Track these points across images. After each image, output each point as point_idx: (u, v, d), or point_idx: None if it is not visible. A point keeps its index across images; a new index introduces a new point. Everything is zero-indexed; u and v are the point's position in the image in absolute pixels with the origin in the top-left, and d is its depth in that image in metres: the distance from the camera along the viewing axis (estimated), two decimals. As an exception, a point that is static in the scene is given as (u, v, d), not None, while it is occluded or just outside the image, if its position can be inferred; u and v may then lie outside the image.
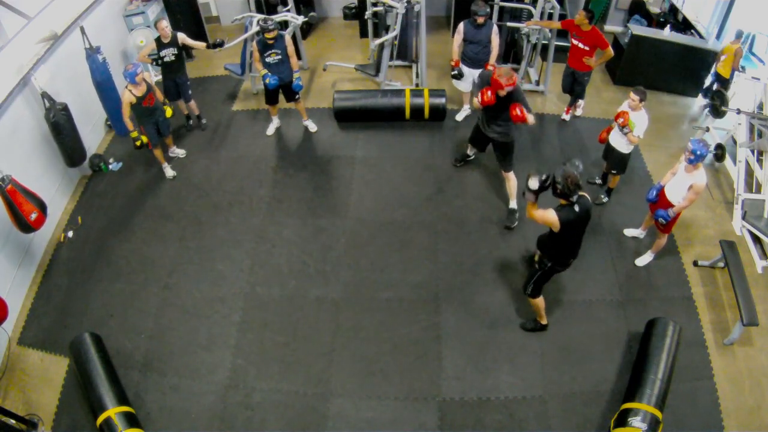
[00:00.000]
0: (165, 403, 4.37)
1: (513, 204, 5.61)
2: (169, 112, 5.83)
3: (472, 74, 6.32)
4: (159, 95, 5.75)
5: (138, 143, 5.62)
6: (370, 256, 5.37)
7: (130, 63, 5.52)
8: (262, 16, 6.49)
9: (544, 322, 4.76)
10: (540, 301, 4.61)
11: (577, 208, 4.01)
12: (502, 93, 4.83)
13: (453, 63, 6.31)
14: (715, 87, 6.76)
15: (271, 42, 5.77)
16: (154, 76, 7.16)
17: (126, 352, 4.66)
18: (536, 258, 4.73)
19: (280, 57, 5.89)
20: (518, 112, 4.84)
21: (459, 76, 6.36)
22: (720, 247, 4.99)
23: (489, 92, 4.86)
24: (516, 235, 5.48)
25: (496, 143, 5.42)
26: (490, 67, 6.16)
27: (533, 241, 5.40)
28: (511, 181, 5.53)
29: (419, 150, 6.52)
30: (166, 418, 4.28)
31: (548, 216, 4.02)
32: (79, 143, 5.74)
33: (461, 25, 6.11)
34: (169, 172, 6.23)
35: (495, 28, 6.06)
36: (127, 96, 5.39)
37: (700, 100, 7.32)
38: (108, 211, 5.91)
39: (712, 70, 7.01)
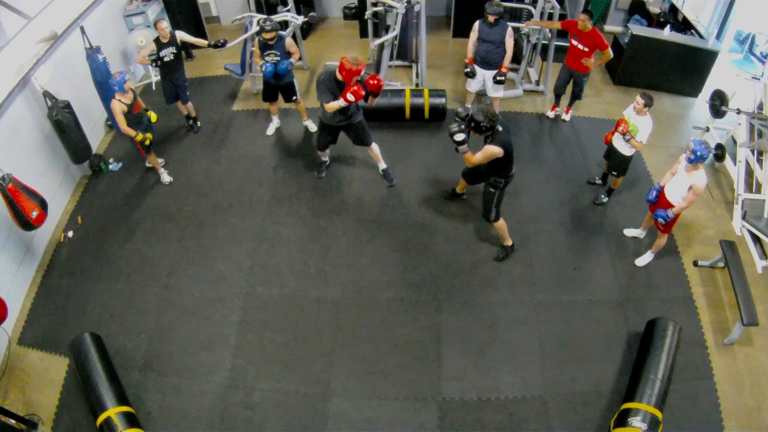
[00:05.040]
0: (165, 403, 4.37)
1: (383, 165, 5.99)
2: (154, 117, 5.76)
3: (483, 75, 6.31)
4: (141, 102, 5.67)
5: (147, 142, 5.56)
6: (370, 256, 5.37)
7: (116, 71, 5.44)
8: (263, 17, 6.50)
9: (509, 243, 5.27)
10: (503, 223, 5.12)
11: (500, 128, 4.47)
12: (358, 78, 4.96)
13: (467, 60, 6.31)
14: None
15: (270, 43, 5.77)
16: (154, 77, 7.16)
17: (126, 352, 4.66)
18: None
19: (278, 58, 5.89)
20: (373, 81, 5.01)
21: (471, 74, 6.34)
22: (720, 247, 4.99)
23: (356, 87, 4.90)
24: (516, 235, 5.47)
25: (351, 126, 5.53)
26: (503, 69, 6.17)
27: (533, 241, 5.44)
28: (375, 149, 5.82)
29: (419, 150, 6.52)
30: (166, 418, 4.28)
31: (489, 151, 4.49)
32: (83, 139, 5.76)
33: (476, 23, 6.11)
34: (166, 177, 6.15)
35: (510, 30, 6.02)
36: (118, 106, 5.29)
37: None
38: (108, 211, 5.91)
39: None
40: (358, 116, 5.50)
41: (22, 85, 5.19)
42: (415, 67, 7.50)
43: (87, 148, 5.88)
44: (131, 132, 5.46)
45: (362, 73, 4.97)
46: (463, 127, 4.51)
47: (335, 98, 5.05)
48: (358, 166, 6.29)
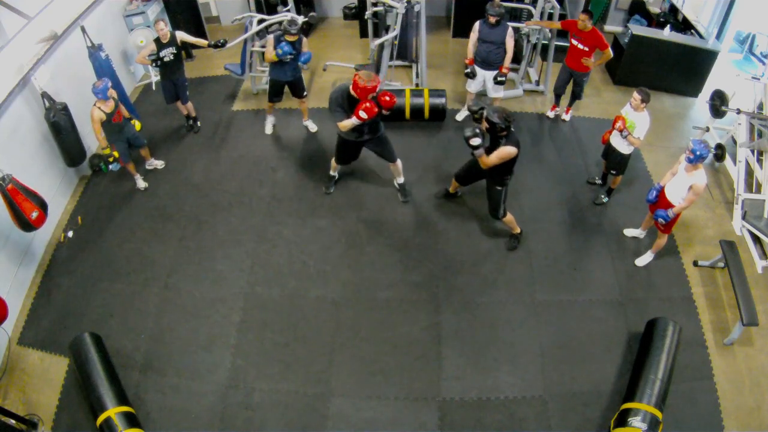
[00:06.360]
0: (165, 403, 4.37)
1: (401, 180, 5.84)
2: (138, 125, 5.75)
3: (483, 75, 6.31)
4: (124, 111, 5.63)
5: (111, 159, 5.48)
6: (370, 256, 5.36)
7: (99, 80, 5.33)
8: (262, 16, 6.50)
9: (518, 231, 5.35)
10: (511, 216, 5.20)
11: (512, 128, 4.56)
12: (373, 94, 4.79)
13: (467, 61, 6.31)
14: None
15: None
16: (153, 77, 7.16)
17: (126, 352, 4.66)
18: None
19: (292, 57, 5.90)
20: (387, 98, 4.85)
21: (471, 75, 6.32)
22: (720, 247, 4.99)
23: (368, 104, 4.72)
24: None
25: (375, 141, 5.37)
26: (504, 70, 6.17)
27: (533, 241, 5.44)
28: (399, 165, 5.67)
29: (419, 150, 6.52)
30: (166, 418, 4.28)
31: (506, 153, 4.56)
32: (79, 143, 5.74)
33: (477, 24, 6.10)
34: (141, 183, 6.10)
35: (510, 30, 6.00)
36: (97, 114, 5.22)
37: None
38: (108, 211, 5.91)
39: None
40: (381, 130, 5.33)
41: (21, 85, 5.19)
42: (415, 67, 7.50)
43: (81, 152, 5.84)
44: (102, 142, 5.39)
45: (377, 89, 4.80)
46: (477, 131, 4.51)
47: (348, 116, 4.89)
48: (358, 166, 6.27)
